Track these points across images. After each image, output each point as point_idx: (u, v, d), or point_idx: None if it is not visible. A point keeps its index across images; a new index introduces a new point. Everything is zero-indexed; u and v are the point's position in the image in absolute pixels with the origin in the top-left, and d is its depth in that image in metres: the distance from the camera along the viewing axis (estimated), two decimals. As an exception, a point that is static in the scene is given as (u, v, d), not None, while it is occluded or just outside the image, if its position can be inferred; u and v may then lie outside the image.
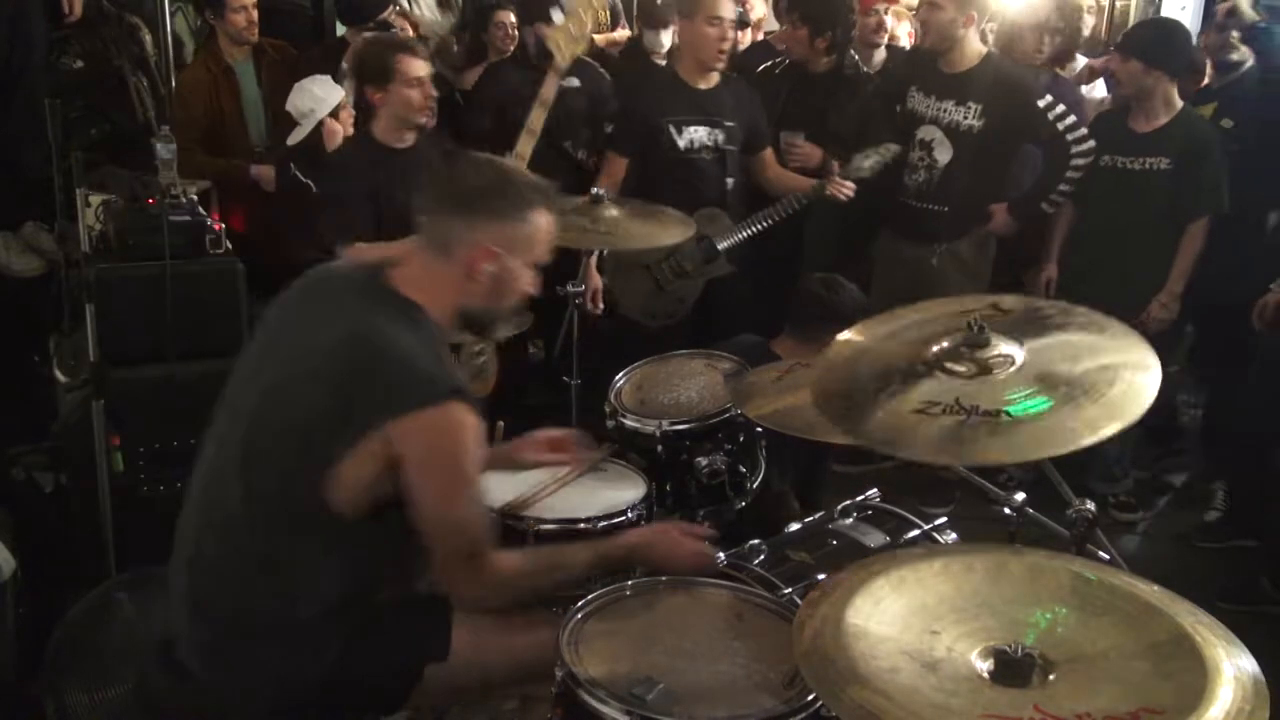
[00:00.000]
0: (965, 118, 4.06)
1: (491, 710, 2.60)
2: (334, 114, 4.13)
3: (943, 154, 4.12)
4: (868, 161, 3.95)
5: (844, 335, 2.07)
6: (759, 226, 4.01)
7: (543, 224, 2.01)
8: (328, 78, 4.21)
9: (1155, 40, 4.09)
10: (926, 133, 4.15)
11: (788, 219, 4.04)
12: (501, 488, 2.58)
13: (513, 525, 2.45)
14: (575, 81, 4.67)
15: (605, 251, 3.89)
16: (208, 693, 1.95)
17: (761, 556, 2.45)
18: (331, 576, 1.94)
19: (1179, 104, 4.03)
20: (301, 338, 1.98)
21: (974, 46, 4.10)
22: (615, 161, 4.09)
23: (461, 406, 1.87)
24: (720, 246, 4.03)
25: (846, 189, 3.97)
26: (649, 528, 2.31)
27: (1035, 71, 4.45)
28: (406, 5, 5.26)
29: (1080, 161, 4.04)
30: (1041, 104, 4.01)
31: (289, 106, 4.18)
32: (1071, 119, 4.02)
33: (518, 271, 2.01)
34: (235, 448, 1.96)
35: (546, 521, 2.46)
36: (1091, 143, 4.02)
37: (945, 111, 4.10)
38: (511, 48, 5.08)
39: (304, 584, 1.93)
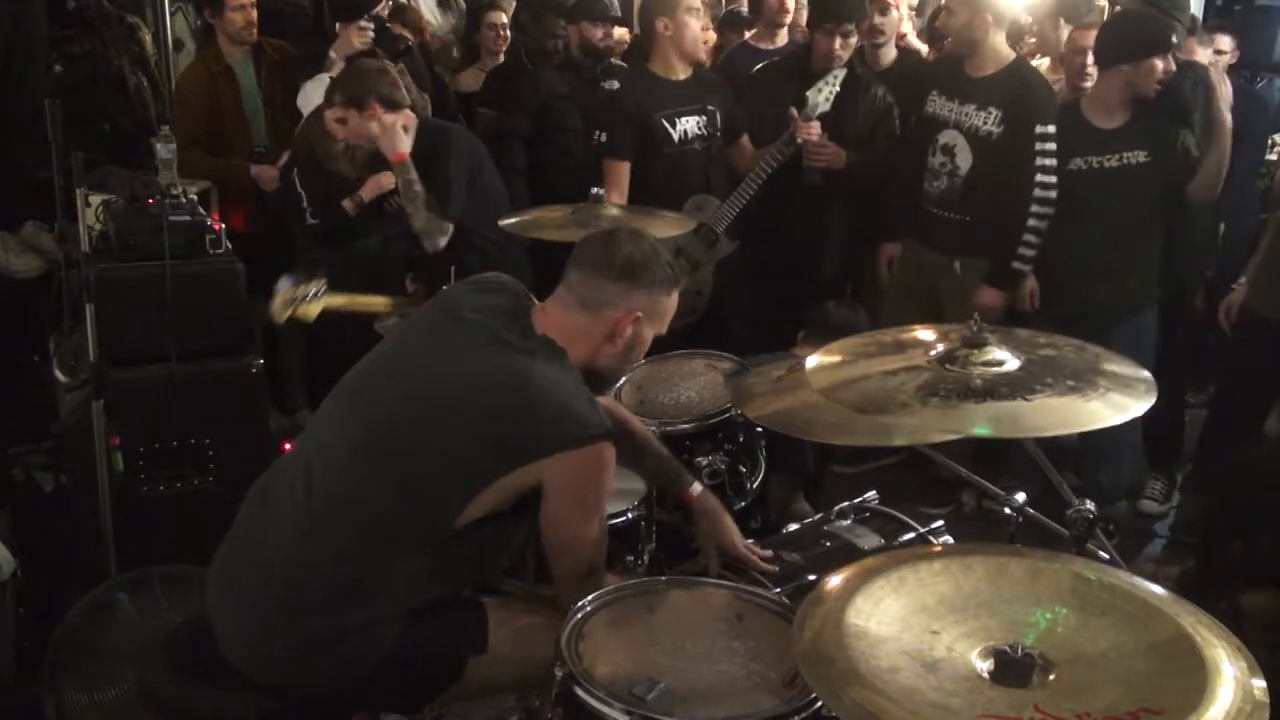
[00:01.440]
0: (985, 123, 3.94)
1: (492, 708, 2.61)
2: (319, 111, 4.12)
3: (964, 160, 3.99)
4: (820, 95, 3.96)
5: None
6: (747, 196, 4.08)
7: (675, 301, 2.22)
8: (321, 77, 4.21)
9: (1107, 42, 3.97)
10: (949, 137, 4.03)
11: (770, 185, 4.10)
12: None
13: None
14: (615, 84, 4.71)
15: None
16: (239, 689, 1.97)
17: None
18: (417, 583, 2.00)
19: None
20: (447, 366, 2.04)
21: (999, 50, 3.98)
22: (618, 168, 4.09)
23: (609, 447, 1.99)
24: (719, 230, 4.13)
25: (813, 130, 3.99)
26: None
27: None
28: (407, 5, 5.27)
29: (1035, 223, 3.88)
30: (1039, 129, 3.86)
31: (299, 104, 4.21)
32: (1051, 164, 3.86)
33: (647, 339, 2.19)
34: (356, 461, 2.00)
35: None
36: (1053, 194, 3.86)
37: (966, 115, 3.98)
38: (504, 48, 5.10)
39: (387, 590, 1.98)
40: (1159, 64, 3.79)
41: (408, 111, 3.66)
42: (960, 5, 3.99)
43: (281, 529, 2.01)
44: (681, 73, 4.14)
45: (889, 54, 4.58)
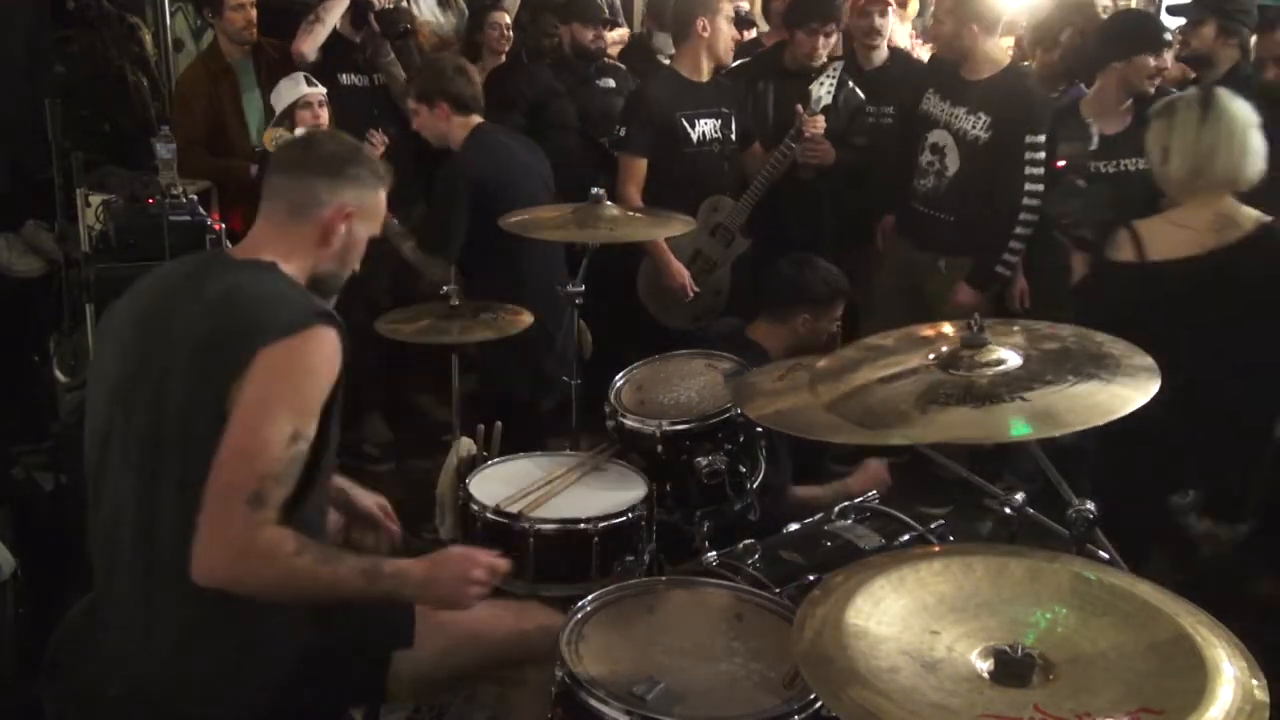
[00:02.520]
0: (973, 127, 3.94)
1: (491, 708, 2.61)
2: (289, 113, 4.13)
3: (952, 162, 4.01)
4: (822, 89, 3.99)
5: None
6: (759, 194, 4.12)
7: (384, 200, 2.13)
8: (296, 75, 4.20)
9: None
10: (939, 137, 4.04)
11: (778, 183, 4.15)
12: (499, 488, 2.59)
13: (512, 525, 2.46)
14: (610, 83, 4.77)
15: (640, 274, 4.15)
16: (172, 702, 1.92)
17: (755, 556, 2.45)
18: None
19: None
20: (159, 337, 1.91)
21: (992, 56, 3.99)
22: (635, 163, 4.10)
23: (321, 331, 1.86)
24: (734, 229, 4.18)
25: (819, 124, 4.02)
26: (429, 558, 2.01)
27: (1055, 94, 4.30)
28: (408, 5, 5.27)
29: (1021, 230, 3.85)
30: (1029, 139, 3.81)
31: (271, 101, 4.24)
32: (1039, 173, 3.82)
33: (363, 239, 2.09)
34: (135, 456, 1.88)
35: (546, 522, 2.47)
36: (1037, 203, 3.82)
37: (956, 118, 3.99)
38: (506, 48, 5.10)
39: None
40: (1151, 61, 3.78)
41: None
42: (946, 15, 4.03)
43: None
44: (705, 75, 4.16)
45: (882, 54, 4.59)
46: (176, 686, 1.90)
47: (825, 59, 4.30)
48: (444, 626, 2.09)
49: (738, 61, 4.64)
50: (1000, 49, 4.10)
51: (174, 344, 1.88)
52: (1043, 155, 3.83)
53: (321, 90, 4.19)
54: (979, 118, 3.92)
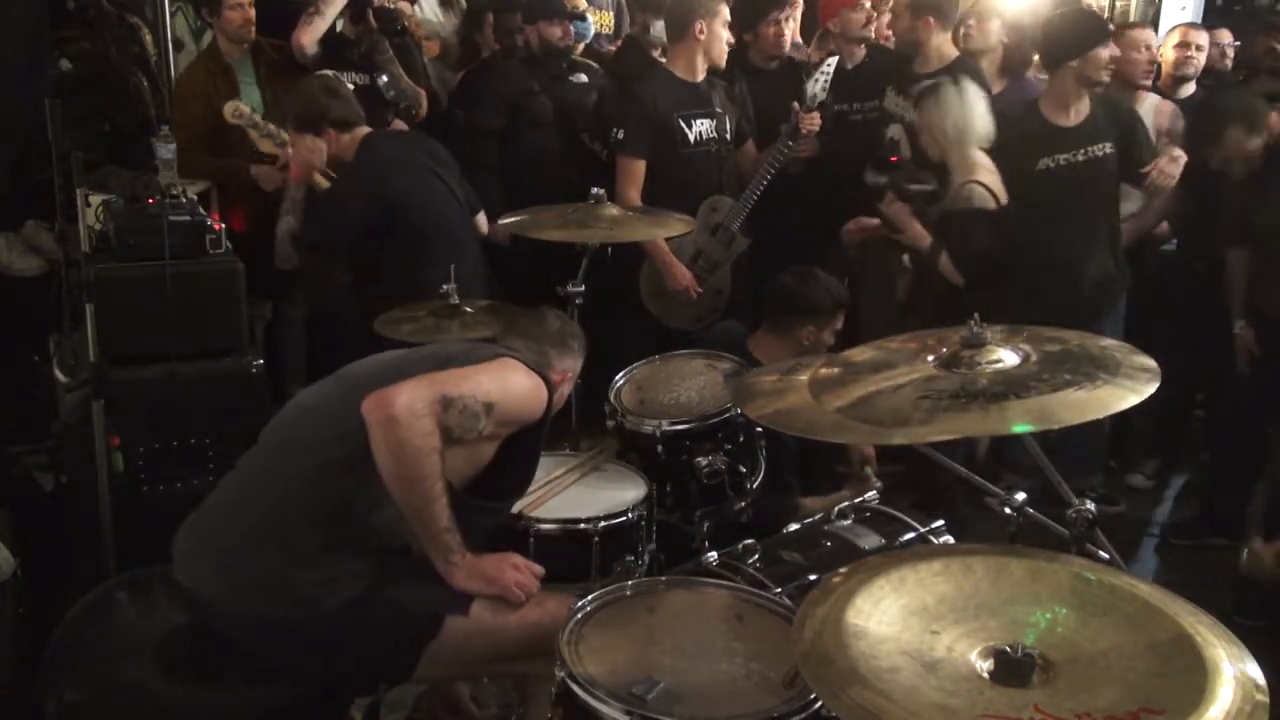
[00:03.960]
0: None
1: (501, 697, 2.61)
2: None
3: (905, 151, 4.16)
4: (817, 85, 4.03)
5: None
6: (758, 193, 4.14)
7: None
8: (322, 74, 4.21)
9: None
10: (894, 131, 4.21)
11: (777, 180, 4.18)
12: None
13: (512, 525, 2.46)
14: (583, 78, 4.75)
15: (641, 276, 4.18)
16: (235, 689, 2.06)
17: (755, 556, 2.45)
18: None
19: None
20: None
21: (942, 50, 4.14)
22: (633, 164, 4.11)
23: (545, 389, 2.27)
24: (734, 228, 4.19)
25: (815, 121, 4.06)
26: (479, 556, 2.22)
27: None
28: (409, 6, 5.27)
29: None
30: None
31: None
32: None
33: (565, 394, 2.50)
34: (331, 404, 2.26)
35: (546, 522, 2.47)
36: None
37: (907, 110, 4.12)
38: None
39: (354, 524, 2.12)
40: (1104, 53, 3.90)
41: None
42: (902, 10, 4.15)
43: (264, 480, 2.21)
44: (699, 75, 4.18)
45: (860, 51, 4.59)
46: (233, 596, 2.08)
47: (789, 44, 4.37)
48: (468, 619, 2.13)
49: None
50: (949, 44, 4.20)
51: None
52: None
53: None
54: None
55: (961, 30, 4.36)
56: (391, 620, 2.10)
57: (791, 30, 4.41)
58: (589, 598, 2.04)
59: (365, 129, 3.55)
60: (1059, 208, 3.97)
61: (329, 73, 3.72)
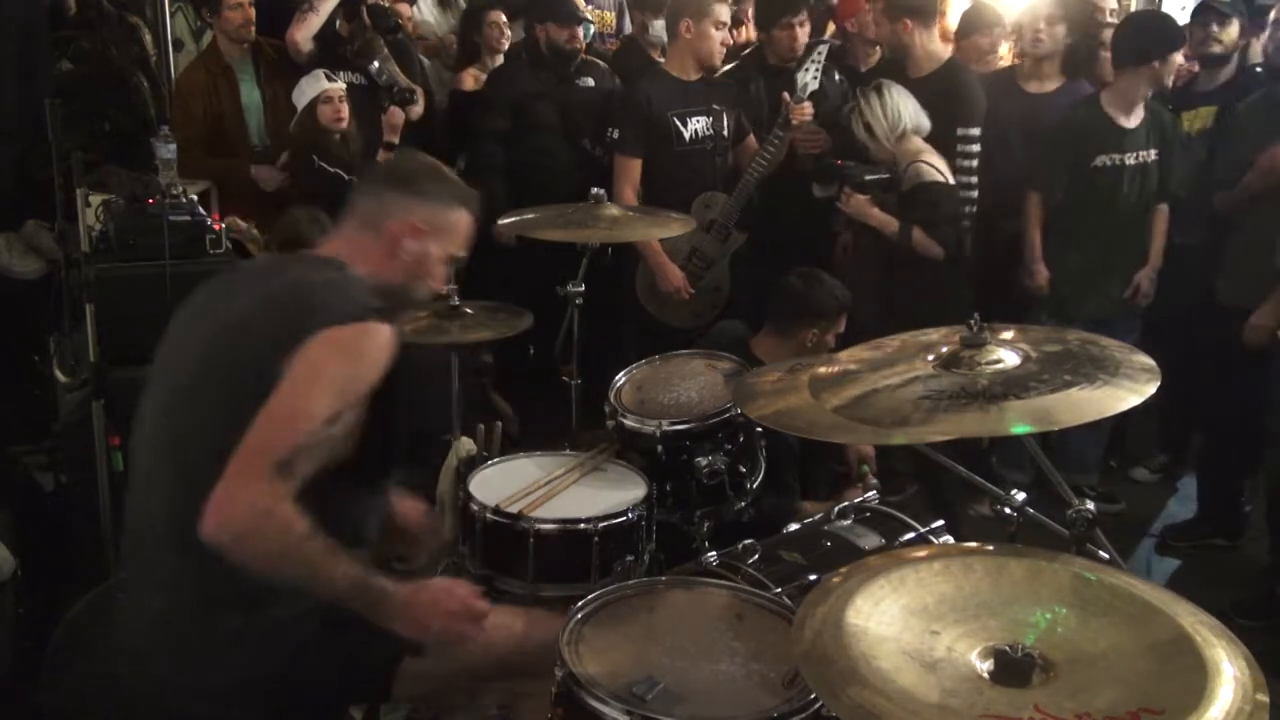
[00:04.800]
0: None
1: (503, 696, 2.60)
2: (311, 108, 4.15)
3: None
4: (808, 75, 4.02)
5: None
6: (751, 188, 4.13)
7: (465, 220, 2.14)
8: (316, 72, 4.22)
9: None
10: None
11: (768, 175, 4.17)
12: (499, 488, 2.59)
13: (512, 525, 2.46)
14: (589, 81, 4.74)
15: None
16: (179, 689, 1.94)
17: (755, 556, 2.45)
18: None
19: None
20: (218, 316, 2.00)
21: (932, 51, 4.14)
22: (630, 164, 4.12)
23: (378, 328, 1.91)
24: (729, 224, 4.18)
25: (806, 111, 4.04)
26: (419, 584, 2.00)
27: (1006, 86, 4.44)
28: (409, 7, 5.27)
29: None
30: (960, 131, 4.02)
31: (294, 99, 4.25)
32: (971, 165, 4.02)
33: (435, 257, 2.10)
34: (176, 422, 1.96)
35: (546, 522, 2.47)
36: (972, 194, 4.03)
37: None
38: (505, 46, 5.10)
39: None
40: (1179, 58, 4.01)
41: None
42: (880, 17, 4.16)
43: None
44: (694, 74, 4.17)
45: (877, 53, 4.64)
46: (185, 662, 1.93)
47: (804, 47, 4.33)
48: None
49: (731, 64, 4.66)
50: (938, 44, 4.22)
51: (233, 319, 1.95)
52: (976, 148, 4.03)
53: (342, 86, 4.21)
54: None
55: (1031, 36, 4.35)
56: (359, 644, 1.98)
57: (805, 34, 4.39)
58: (589, 597, 2.04)
59: None
60: (1112, 205, 4.05)
61: (315, 210, 3.66)
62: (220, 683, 1.93)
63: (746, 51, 4.80)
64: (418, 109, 4.54)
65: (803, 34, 4.34)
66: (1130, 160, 4.03)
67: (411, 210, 2.07)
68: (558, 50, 4.67)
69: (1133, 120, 4.03)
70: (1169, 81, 4.07)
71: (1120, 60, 4.04)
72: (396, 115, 4.27)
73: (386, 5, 4.62)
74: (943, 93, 4.04)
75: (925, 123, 3.93)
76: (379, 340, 1.90)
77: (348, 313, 1.89)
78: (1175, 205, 4.17)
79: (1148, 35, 4.01)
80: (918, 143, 3.94)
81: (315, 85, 4.17)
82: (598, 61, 4.94)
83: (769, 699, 1.80)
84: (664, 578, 2.22)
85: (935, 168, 3.88)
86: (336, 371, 1.85)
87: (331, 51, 4.44)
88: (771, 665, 1.88)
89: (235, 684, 1.93)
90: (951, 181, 3.90)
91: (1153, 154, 4.05)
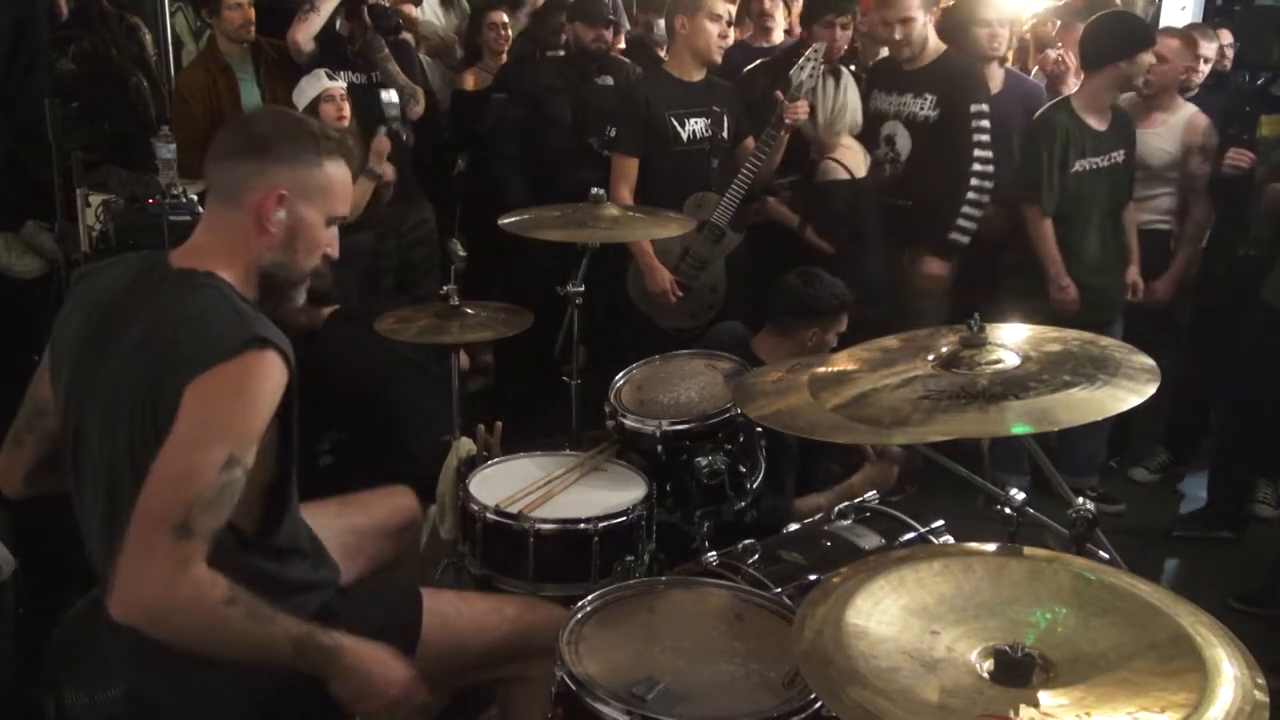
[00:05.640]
0: (922, 108, 4.14)
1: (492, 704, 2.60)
2: (313, 107, 4.14)
3: (903, 145, 4.20)
4: (804, 74, 4.00)
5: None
6: (744, 187, 4.09)
7: (339, 174, 1.92)
8: (317, 71, 4.22)
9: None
10: (889, 128, 4.25)
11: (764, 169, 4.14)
12: (499, 488, 2.59)
13: (512, 525, 2.46)
14: (609, 80, 4.76)
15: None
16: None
17: (755, 556, 2.45)
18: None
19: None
20: (98, 366, 1.82)
21: (932, 42, 4.19)
22: (627, 163, 4.12)
23: (253, 357, 1.71)
24: (723, 224, 4.15)
25: (800, 110, 4.02)
26: (373, 644, 1.88)
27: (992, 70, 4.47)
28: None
29: (974, 195, 4.07)
30: (974, 108, 4.07)
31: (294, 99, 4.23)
32: (986, 140, 4.06)
33: (312, 222, 1.89)
34: (99, 484, 1.83)
35: (546, 522, 2.47)
36: (990, 169, 4.05)
37: (905, 105, 4.19)
38: (505, 47, 5.12)
39: None
40: (1146, 58, 3.99)
41: None
42: (896, 22, 4.10)
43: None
44: (695, 74, 4.16)
45: (884, 53, 4.61)
46: (167, 690, 1.89)
47: (844, 50, 4.35)
48: (447, 623, 2.10)
49: (757, 62, 4.67)
50: (935, 36, 4.24)
51: (111, 382, 1.79)
52: (987, 124, 4.06)
53: (343, 85, 4.19)
54: (925, 99, 4.13)
55: (988, 36, 4.37)
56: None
57: (847, 37, 4.38)
58: (589, 597, 2.04)
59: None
60: (1092, 210, 4.07)
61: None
62: (211, 693, 1.88)
63: (784, 49, 4.78)
64: (419, 108, 4.55)
65: (844, 36, 4.34)
66: (1105, 163, 4.05)
67: (270, 175, 1.84)
68: (584, 49, 4.70)
69: (1104, 122, 4.05)
70: (1139, 82, 4.08)
71: (1086, 62, 4.07)
72: (383, 143, 4.21)
73: (388, 5, 4.62)
74: (948, 76, 4.10)
75: (859, 121, 4.15)
76: (262, 370, 1.72)
77: (216, 351, 1.69)
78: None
79: (1115, 37, 4.00)
80: (846, 139, 4.11)
81: (316, 84, 4.17)
82: (623, 60, 4.94)
83: (769, 699, 1.80)
84: (664, 578, 2.22)
85: (845, 167, 4.04)
86: (223, 417, 1.69)
87: (333, 51, 4.44)
88: (771, 665, 1.88)
89: (226, 694, 1.88)
90: (858, 175, 4.07)
91: (1122, 155, 4.08)
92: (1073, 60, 4.56)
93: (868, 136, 4.25)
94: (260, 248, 1.87)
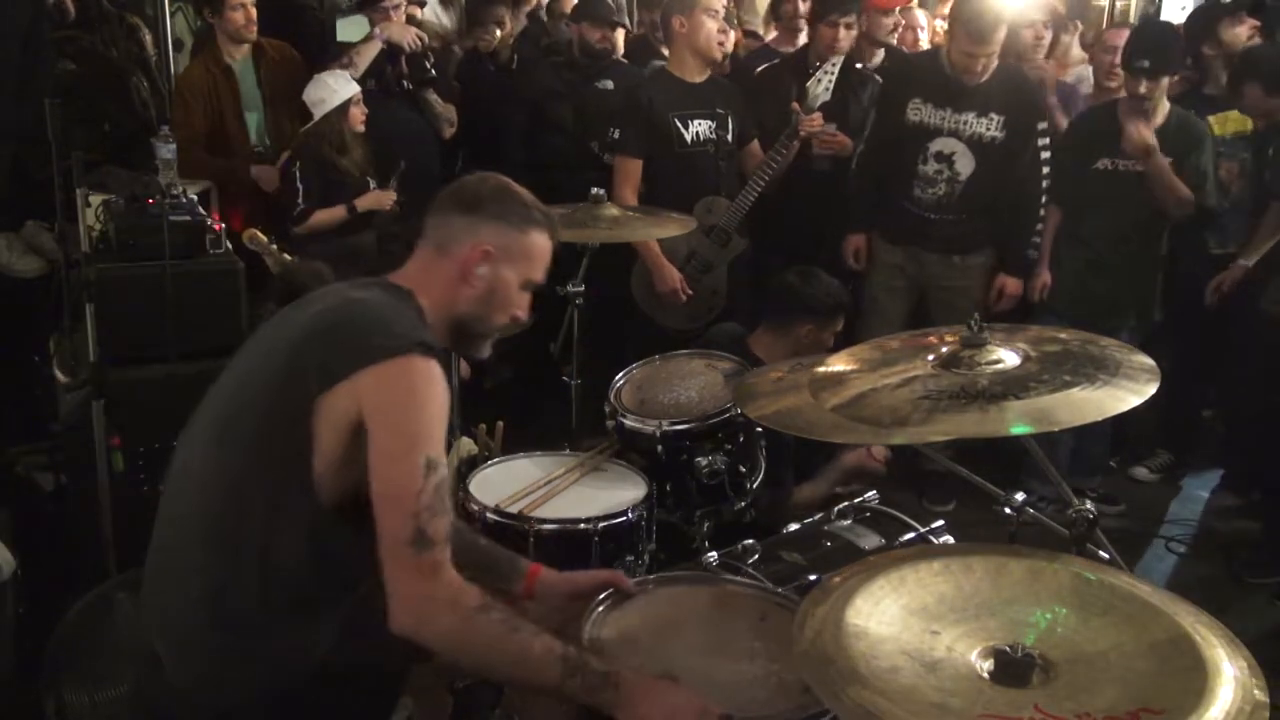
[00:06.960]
0: (988, 129, 4.01)
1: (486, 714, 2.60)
2: (344, 108, 4.16)
3: (965, 166, 4.04)
4: (820, 86, 4.00)
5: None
6: (754, 195, 4.10)
7: (541, 243, 2.03)
8: (342, 72, 4.22)
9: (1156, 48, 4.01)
10: (945, 145, 4.05)
11: (775, 180, 4.16)
12: (499, 488, 2.59)
13: (512, 525, 2.46)
14: (609, 84, 4.72)
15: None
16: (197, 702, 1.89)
17: (755, 557, 2.44)
18: (308, 571, 1.85)
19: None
20: (278, 330, 1.95)
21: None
22: (630, 164, 4.11)
23: (428, 363, 1.79)
24: (731, 229, 4.16)
25: (815, 122, 4.04)
26: (660, 681, 1.80)
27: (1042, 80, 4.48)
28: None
29: (1043, 213, 4.14)
30: (1040, 125, 4.08)
31: (304, 95, 4.24)
32: (1049, 157, 4.09)
33: (510, 283, 2.00)
34: (209, 439, 1.92)
35: (546, 522, 2.47)
36: (1046, 184, 4.10)
37: (966, 124, 4.02)
38: (494, 47, 5.12)
39: (279, 576, 1.84)
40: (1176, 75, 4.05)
41: None
42: (983, 55, 3.95)
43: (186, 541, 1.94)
44: (698, 75, 4.15)
45: (879, 56, 4.65)
46: (201, 676, 1.88)
47: (845, 50, 4.31)
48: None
49: (765, 64, 4.66)
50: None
51: (278, 340, 1.90)
52: (1048, 140, 4.07)
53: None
54: (991, 119, 4.01)
55: (1033, 36, 4.42)
56: (365, 664, 1.93)
57: (850, 37, 4.33)
58: (608, 591, 2.04)
59: None
60: (1103, 208, 4.07)
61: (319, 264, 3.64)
62: (234, 699, 1.88)
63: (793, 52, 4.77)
64: (451, 130, 4.72)
65: (847, 36, 4.29)
66: (1137, 167, 3.98)
67: (479, 233, 1.97)
68: (589, 50, 4.68)
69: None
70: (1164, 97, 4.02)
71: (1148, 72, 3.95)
72: (386, 200, 4.26)
73: (421, 56, 4.60)
74: (1014, 93, 4.04)
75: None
76: (436, 374, 1.80)
77: (384, 347, 1.77)
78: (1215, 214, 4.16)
79: (1165, 49, 3.96)
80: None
81: (348, 86, 4.18)
82: (623, 61, 4.92)
83: (784, 702, 1.78)
84: (687, 573, 2.20)
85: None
86: (401, 423, 1.76)
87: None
88: (790, 668, 1.87)
89: (249, 700, 1.88)
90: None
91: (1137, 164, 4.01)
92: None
93: (908, 150, 4.10)
94: (460, 297, 1.98)
